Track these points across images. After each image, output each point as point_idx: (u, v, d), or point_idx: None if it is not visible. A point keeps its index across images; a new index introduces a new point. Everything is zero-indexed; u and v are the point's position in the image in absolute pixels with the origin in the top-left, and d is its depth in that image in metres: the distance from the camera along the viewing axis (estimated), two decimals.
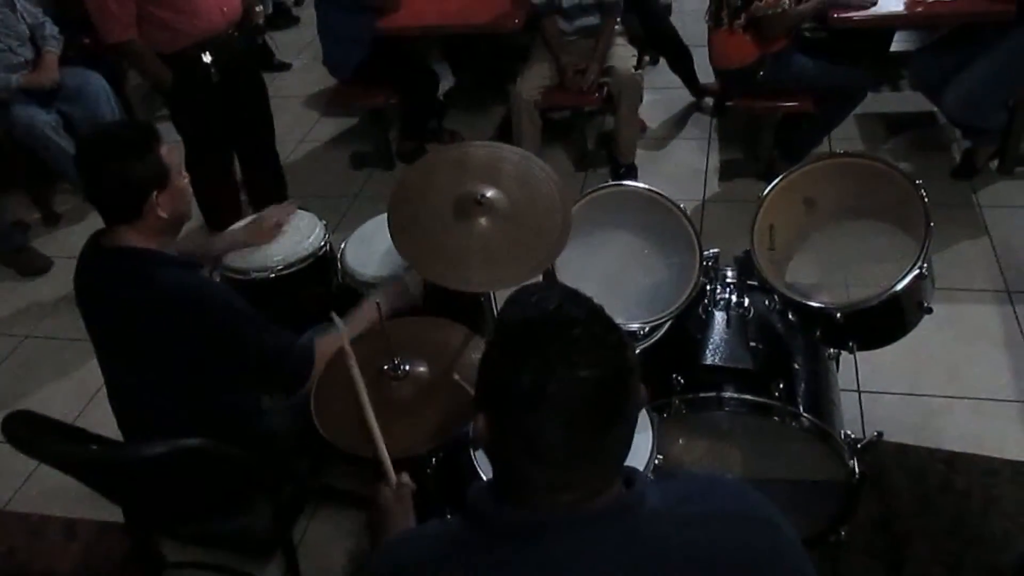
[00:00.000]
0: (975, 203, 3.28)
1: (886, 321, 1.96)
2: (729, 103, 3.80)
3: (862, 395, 2.58)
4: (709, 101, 4.10)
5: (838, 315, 1.87)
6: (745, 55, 3.24)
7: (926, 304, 1.90)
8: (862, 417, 2.51)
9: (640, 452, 1.64)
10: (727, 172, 3.65)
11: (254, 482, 1.87)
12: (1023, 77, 3.09)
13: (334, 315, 1.72)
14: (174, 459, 1.59)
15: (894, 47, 3.78)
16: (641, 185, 2.10)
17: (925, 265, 1.80)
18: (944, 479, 2.29)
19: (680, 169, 3.74)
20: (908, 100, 3.82)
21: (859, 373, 2.61)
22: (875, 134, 3.76)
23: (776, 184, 1.99)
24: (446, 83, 4.23)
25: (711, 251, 2.03)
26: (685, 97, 4.18)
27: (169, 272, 1.69)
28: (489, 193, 1.77)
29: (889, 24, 3.29)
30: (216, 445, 1.66)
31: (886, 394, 2.58)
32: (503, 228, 1.74)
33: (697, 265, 1.96)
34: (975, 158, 3.38)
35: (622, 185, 2.12)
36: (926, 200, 1.82)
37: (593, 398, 0.87)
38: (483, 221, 1.75)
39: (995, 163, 3.42)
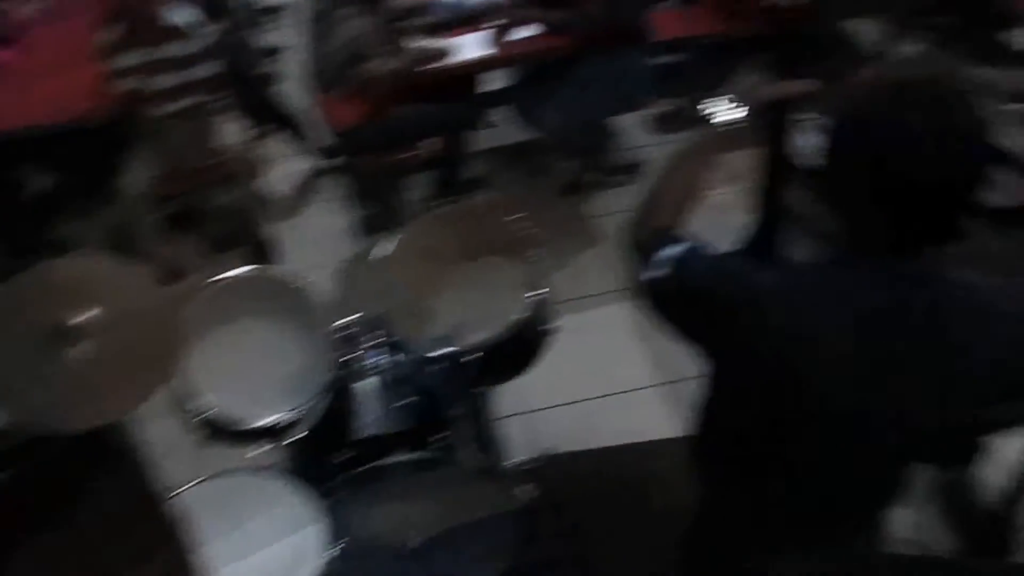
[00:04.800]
0: (586, 215, 3.62)
1: (524, 347, 2.07)
2: (352, 161, 3.83)
3: (529, 416, 2.71)
4: (334, 161, 4.11)
5: (480, 354, 1.94)
6: (356, 115, 3.29)
7: (554, 322, 2.04)
8: (531, 438, 2.62)
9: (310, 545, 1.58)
10: (365, 229, 3.68)
11: None
12: (611, 99, 3.46)
13: None
14: None
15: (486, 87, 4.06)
16: (261, 268, 2.03)
17: (544, 288, 1.92)
18: (614, 473, 2.47)
19: (318, 234, 3.71)
20: (514, 131, 4.10)
21: (520, 395, 2.74)
22: (490, 167, 4.02)
23: (395, 242, 2.02)
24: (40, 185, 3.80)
25: (349, 318, 2.01)
26: (309, 161, 4.16)
27: None
28: (83, 316, 1.58)
29: (477, 70, 3.53)
30: None
31: (549, 409, 2.74)
32: (105, 352, 1.56)
33: (334, 337, 1.93)
34: (580, 175, 3.74)
35: (239, 273, 2.03)
36: (533, 228, 1.95)
37: None
38: (80, 348, 1.55)
39: (598, 176, 3.81)
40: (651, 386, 2.81)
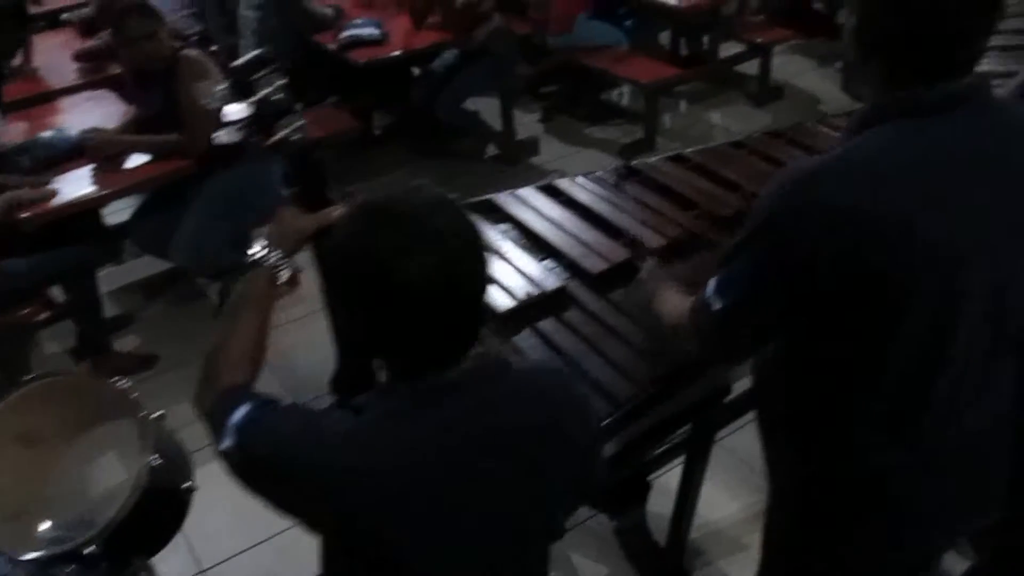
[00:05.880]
0: None
1: (163, 510, 1.86)
2: None
3: (208, 573, 2.47)
4: None
5: (110, 537, 1.70)
6: None
7: (188, 482, 1.86)
8: None
9: None
10: None
11: None
12: (232, 214, 3.33)
13: None
14: None
15: (110, 219, 3.77)
16: None
17: (155, 455, 1.73)
18: None
19: None
20: (144, 265, 3.84)
21: (194, 554, 2.49)
22: (133, 305, 3.73)
23: None
24: None
25: None
26: None
27: None
28: None
29: (92, 206, 3.24)
30: None
31: (232, 559, 2.52)
32: None
33: None
34: (231, 292, 3.54)
35: None
36: (132, 395, 1.76)
37: None
38: None
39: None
40: None
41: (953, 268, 1.14)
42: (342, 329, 1.10)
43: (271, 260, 1.31)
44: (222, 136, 2.57)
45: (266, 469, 1.07)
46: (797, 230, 1.16)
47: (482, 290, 1.05)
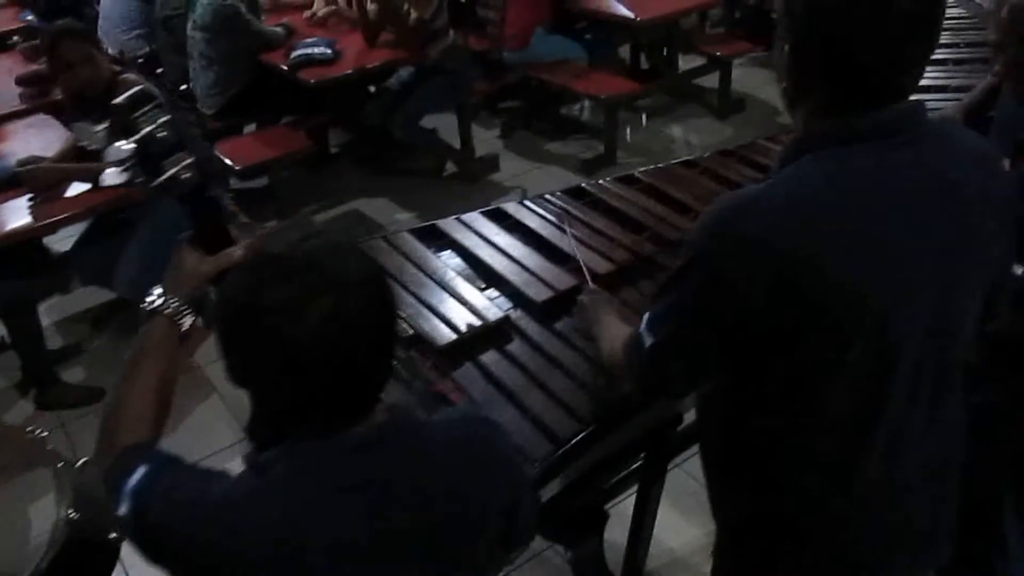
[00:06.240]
0: (194, 365, 3.33)
1: (87, 563, 1.77)
2: None
3: None
4: None
5: None
6: None
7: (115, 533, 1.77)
8: None
9: None
10: None
11: None
12: (178, 243, 3.22)
13: None
14: None
15: (59, 246, 3.65)
16: None
17: (71, 508, 1.65)
18: None
19: None
20: (91, 294, 3.74)
21: None
22: (80, 336, 3.62)
23: None
24: None
25: None
26: None
27: None
28: None
29: (31, 237, 3.13)
30: None
31: None
32: None
33: None
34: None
35: None
36: (48, 446, 1.67)
37: None
38: None
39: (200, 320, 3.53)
40: None
41: (886, 305, 1.09)
42: (240, 384, 1.02)
43: (170, 308, 1.23)
44: (107, 177, 2.52)
45: (160, 538, 1.00)
46: (725, 266, 1.11)
47: (385, 341, 0.98)
